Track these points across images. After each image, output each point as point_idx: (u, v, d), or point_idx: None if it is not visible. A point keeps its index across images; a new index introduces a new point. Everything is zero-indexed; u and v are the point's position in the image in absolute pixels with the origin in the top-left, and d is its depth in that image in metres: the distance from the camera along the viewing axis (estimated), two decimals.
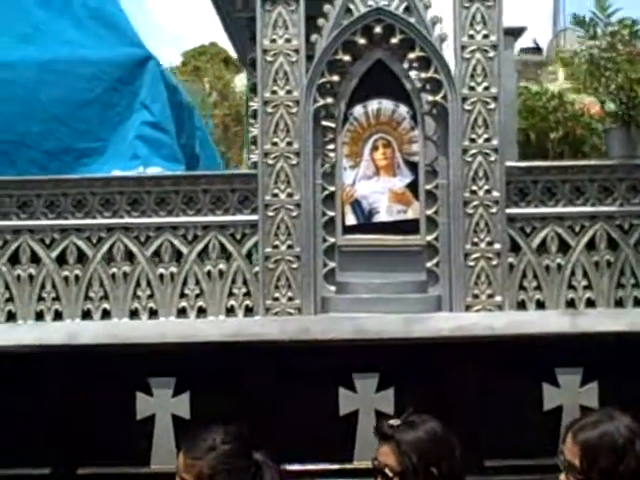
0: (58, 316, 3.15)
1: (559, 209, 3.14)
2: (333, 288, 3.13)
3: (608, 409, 2.69)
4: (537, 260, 3.13)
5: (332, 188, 3.13)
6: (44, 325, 3.10)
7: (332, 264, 3.13)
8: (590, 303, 3.11)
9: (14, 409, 2.97)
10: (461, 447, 2.45)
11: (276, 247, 3.07)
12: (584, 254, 3.13)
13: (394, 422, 2.59)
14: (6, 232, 3.18)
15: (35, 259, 3.18)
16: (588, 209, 3.14)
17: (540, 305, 3.11)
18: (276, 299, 3.06)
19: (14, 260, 3.18)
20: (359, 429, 2.91)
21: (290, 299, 3.06)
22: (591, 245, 3.14)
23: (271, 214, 3.08)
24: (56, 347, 2.94)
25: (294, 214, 3.07)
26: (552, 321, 2.94)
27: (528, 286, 3.12)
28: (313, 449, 2.89)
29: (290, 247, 3.07)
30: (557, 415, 2.92)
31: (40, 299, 3.17)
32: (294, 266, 3.07)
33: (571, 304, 3.11)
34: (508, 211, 3.11)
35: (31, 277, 3.17)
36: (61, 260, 3.18)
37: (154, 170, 3.34)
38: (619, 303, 3.11)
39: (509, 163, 3.13)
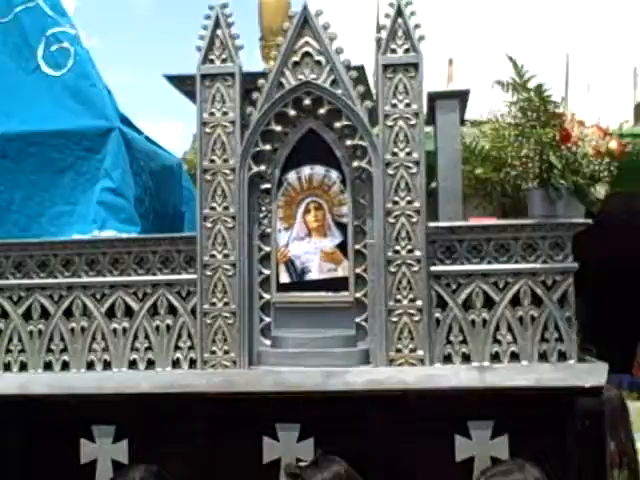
0: (23, 367, 3.47)
1: (484, 266, 3.28)
2: (268, 342, 3.34)
3: (519, 460, 2.85)
4: (463, 315, 3.27)
5: (267, 248, 3.36)
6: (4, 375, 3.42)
7: (268, 319, 3.35)
8: (514, 356, 3.24)
9: None
10: None
11: (213, 304, 3.32)
12: (509, 309, 3.26)
13: (302, 463, 2.82)
14: None
15: (5, 314, 3.51)
16: (512, 266, 3.28)
17: (466, 358, 3.25)
18: (213, 352, 3.30)
19: None
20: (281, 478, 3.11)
21: (226, 352, 3.29)
22: (516, 301, 3.27)
23: (209, 273, 3.32)
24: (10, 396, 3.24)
25: (230, 273, 3.31)
26: (462, 376, 3.08)
27: (454, 340, 3.27)
28: None
29: (226, 304, 3.31)
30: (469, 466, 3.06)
31: (8, 351, 3.49)
32: (230, 322, 3.30)
33: (496, 357, 3.24)
34: (434, 268, 3.28)
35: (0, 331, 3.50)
36: (27, 316, 3.50)
37: (109, 233, 3.63)
38: (543, 356, 3.23)
39: (432, 224, 3.30)
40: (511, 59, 3.33)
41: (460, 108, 3.72)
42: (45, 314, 3.49)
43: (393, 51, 3.29)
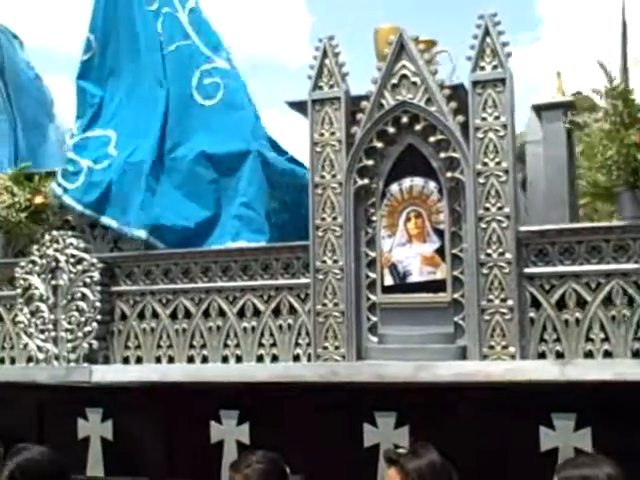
0: (170, 360, 4.02)
1: (576, 268, 3.44)
2: (375, 339, 3.68)
3: (599, 455, 3.02)
4: (556, 314, 3.44)
5: (373, 254, 3.71)
6: (160, 366, 3.98)
7: (374, 318, 3.69)
8: (607, 354, 3.37)
9: None
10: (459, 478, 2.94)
11: (325, 305, 3.70)
12: (601, 309, 3.39)
13: (401, 450, 3.14)
14: (136, 294, 4.13)
15: (156, 314, 4.09)
16: (604, 267, 3.41)
17: (560, 356, 3.42)
18: (325, 348, 3.68)
19: (141, 316, 4.12)
20: (381, 460, 3.42)
21: (337, 348, 3.66)
22: (608, 300, 3.39)
23: (321, 277, 3.71)
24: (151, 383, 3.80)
25: (339, 277, 3.68)
26: (544, 369, 3.26)
27: (548, 338, 3.45)
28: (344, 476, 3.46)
29: (336, 304, 3.68)
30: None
31: (159, 346, 4.06)
32: (339, 320, 3.67)
33: (589, 355, 3.38)
34: (527, 270, 3.48)
35: (152, 329, 4.08)
36: (173, 316, 4.06)
37: (242, 243, 4.11)
38: (636, 354, 3.33)
39: (523, 228, 3.50)
40: (602, 66, 3.48)
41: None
42: (188, 314, 4.02)
43: (482, 68, 3.53)
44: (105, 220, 4.50)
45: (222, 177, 4.37)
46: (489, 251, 3.48)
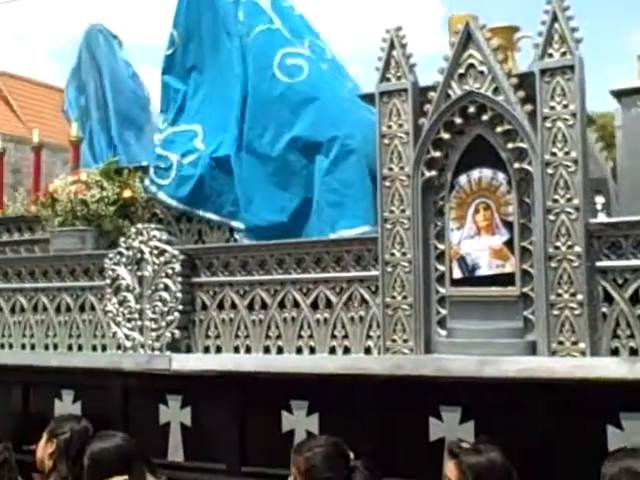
0: (248, 350, 4.12)
1: None
2: (444, 333, 3.65)
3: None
4: (630, 309, 3.33)
5: (442, 247, 3.67)
6: (234, 356, 4.09)
7: (444, 312, 3.66)
8: None
9: None
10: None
11: (394, 297, 3.70)
12: None
13: (464, 444, 3.15)
14: (215, 285, 4.25)
15: (234, 305, 4.20)
16: None
17: (634, 352, 3.30)
18: (394, 340, 3.68)
19: (220, 306, 4.23)
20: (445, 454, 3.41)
21: (405, 341, 3.66)
22: None
23: (390, 270, 3.71)
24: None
25: (407, 269, 3.67)
26: (611, 367, 3.15)
27: (622, 334, 3.34)
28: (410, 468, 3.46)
29: (405, 297, 3.67)
30: None
31: (237, 336, 4.17)
32: (408, 313, 3.66)
33: None
34: (600, 264, 3.37)
35: (231, 320, 4.19)
36: (251, 307, 4.15)
37: (343, 232, 4.09)
38: None
39: (594, 220, 3.39)
40: None
41: None
42: (264, 306, 4.10)
43: (550, 55, 3.43)
44: (199, 213, 4.65)
45: (312, 164, 4.39)
46: (558, 244, 3.39)
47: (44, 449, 4.05)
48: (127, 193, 4.69)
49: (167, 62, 4.91)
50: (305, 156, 4.42)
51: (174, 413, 4.12)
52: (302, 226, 4.40)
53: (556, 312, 3.37)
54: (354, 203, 4.23)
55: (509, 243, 3.54)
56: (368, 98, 3.95)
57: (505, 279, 3.54)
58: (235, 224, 4.45)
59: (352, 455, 3.25)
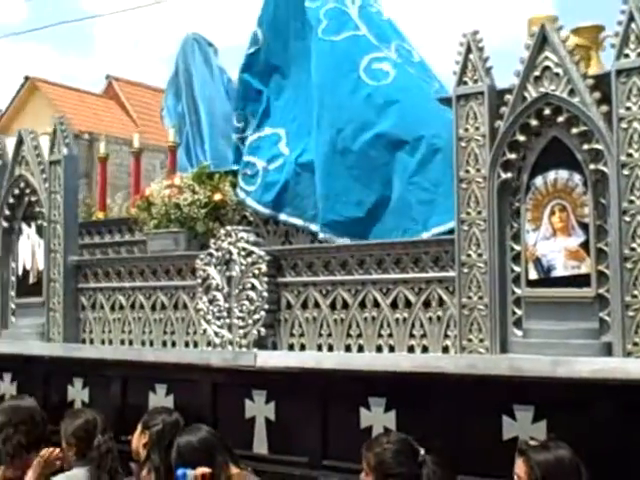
0: (330, 348, 4.24)
1: None
2: (520, 333, 3.68)
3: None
4: None
5: (518, 248, 3.70)
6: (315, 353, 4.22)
7: (519, 312, 3.69)
8: None
9: None
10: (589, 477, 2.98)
11: (470, 298, 3.75)
12: None
13: (532, 442, 3.21)
14: (299, 285, 4.39)
15: (317, 304, 4.33)
16: None
17: None
18: (470, 340, 3.74)
19: (304, 305, 4.37)
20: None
21: (481, 340, 3.71)
22: None
23: (466, 271, 3.77)
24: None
25: (483, 270, 3.72)
26: None
27: None
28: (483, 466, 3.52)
29: (480, 298, 3.72)
30: None
31: (320, 335, 4.30)
32: (483, 313, 3.71)
33: None
34: None
35: (314, 318, 4.32)
36: (333, 306, 4.28)
37: (436, 229, 4.17)
38: None
39: None
40: None
41: None
42: (345, 305, 4.22)
43: (626, 56, 3.42)
44: (283, 217, 4.81)
45: (393, 161, 4.47)
46: (633, 245, 3.38)
47: (138, 440, 4.28)
48: (218, 196, 4.89)
49: (248, 60, 5.05)
50: (388, 153, 4.49)
51: (259, 408, 4.29)
52: (377, 222, 4.48)
53: (631, 313, 3.36)
54: (444, 200, 4.26)
55: (585, 244, 3.55)
56: (447, 101, 4.01)
57: (581, 280, 3.54)
58: (314, 227, 4.58)
59: (422, 451, 3.33)
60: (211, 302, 4.61)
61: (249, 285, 4.48)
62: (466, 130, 3.80)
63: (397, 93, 4.60)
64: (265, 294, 4.42)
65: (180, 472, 3.66)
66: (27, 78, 18.73)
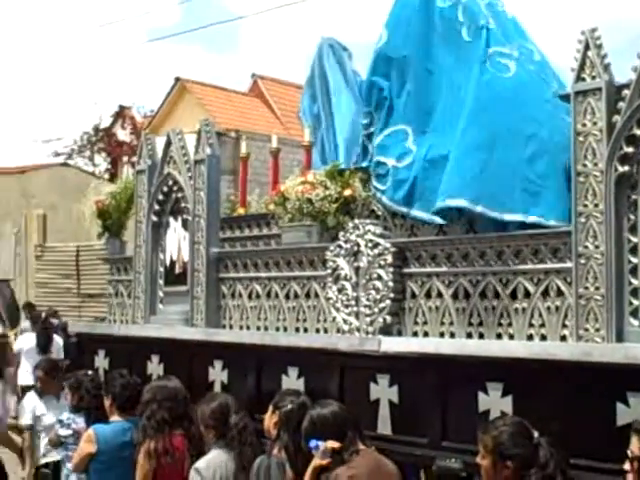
0: (452, 336, 4.44)
1: None
2: (637, 323, 3.76)
3: None
4: None
5: (635, 240, 3.78)
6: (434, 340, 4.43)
7: (636, 303, 3.77)
8: None
9: None
10: None
11: (587, 288, 3.86)
12: None
13: None
14: (423, 276, 4.61)
15: (440, 294, 4.53)
16: None
17: None
18: (586, 329, 3.85)
19: (428, 295, 4.59)
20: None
21: (597, 330, 3.81)
22: None
23: (583, 262, 3.88)
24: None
25: (600, 262, 3.82)
26: None
27: None
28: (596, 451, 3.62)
29: (597, 288, 3.83)
30: None
31: (441, 323, 4.50)
32: (600, 304, 3.81)
33: None
34: None
35: (437, 307, 4.53)
36: (455, 296, 4.47)
37: (532, 218, 4.25)
38: None
39: None
40: None
41: None
42: (467, 295, 4.40)
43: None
44: (414, 213, 5.02)
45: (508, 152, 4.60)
46: None
47: (270, 419, 4.58)
48: (348, 192, 5.16)
49: (374, 61, 5.28)
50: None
51: (383, 391, 4.52)
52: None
53: None
54: (548, 195, 4.36)
55: None
56: (567, 98, 4.13)
57: None
58: (440, 220, 4.73)
59: (536, 434, 3.46)
60: (340, 291, 4.89)
61: (376, 275, 4.73)
62: (584, 125, 3.91)
63: (516, 88, 4.72)
64: (390, 284, 4.65)
65: (313, 443, 3.89)
66: (177, 79, 19.61)
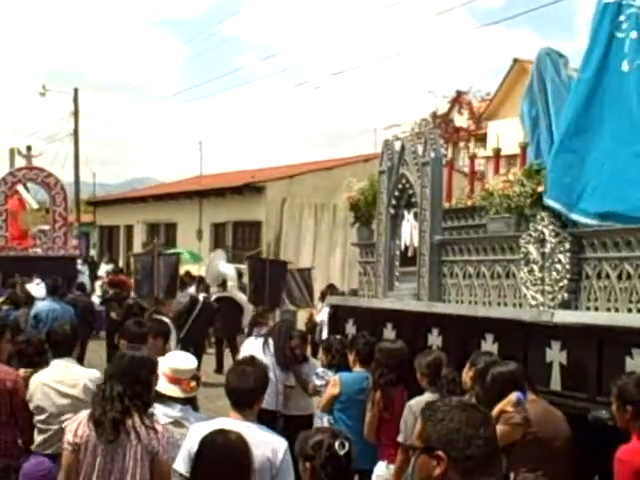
0: (616, 311, 5.25)
1: None
2: None
3: None
4: None
5: None
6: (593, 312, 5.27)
7: None
8: None
9: None
10: None
11: None
12: None
13: None
14: (595, 260, 5.44)
15: (608, 276, 5.35)
16: None
17: None
18: None
19: (599, 276, 5.42)
20: None
21: None
22: None
23: None
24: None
25: None
26: None
27: None
28: None
29: None
30: None
31: (608, 300, 5.32)
32: None
33: None
34: None
35: (605, 287, 5.35)
36: (619, 277, 5.27)
37: None
38: None
39: None
40: None
41: None
42: (628, 276, 5.19)
43: None
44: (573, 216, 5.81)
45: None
46: None
47: (467, 374, 5.67)
48: (541, 188, 6.06)
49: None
50: None
51: (555, 355, 5.43)
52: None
53: None
54: None
55: None
56: None
57: None
58: (582, 219, 5.58)
59: None
60: (529, 272, 5.85)
61: (557, 259, 5.63)
62: None
63: None
64: (568, 267, 5.54)
65: (515, 396, 4.84)
66: (515, 60, 19.83)
